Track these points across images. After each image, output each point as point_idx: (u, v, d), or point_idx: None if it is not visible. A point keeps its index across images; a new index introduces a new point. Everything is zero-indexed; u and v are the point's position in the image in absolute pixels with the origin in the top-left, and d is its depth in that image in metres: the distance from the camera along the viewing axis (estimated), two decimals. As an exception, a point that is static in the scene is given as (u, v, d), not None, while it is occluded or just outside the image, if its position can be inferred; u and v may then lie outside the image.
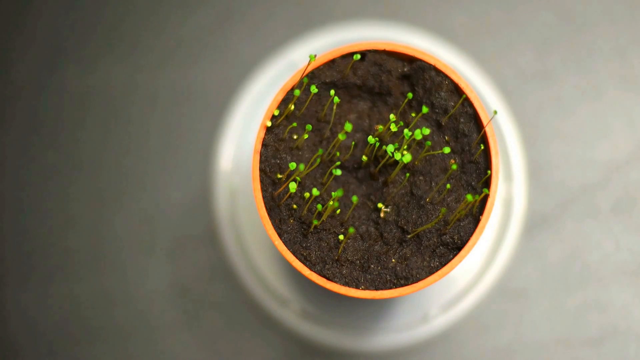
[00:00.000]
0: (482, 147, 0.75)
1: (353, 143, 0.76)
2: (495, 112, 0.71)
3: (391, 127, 0.74)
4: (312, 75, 0.77)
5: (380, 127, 0.76)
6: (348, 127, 0.73)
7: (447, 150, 0.74)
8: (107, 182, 1.01)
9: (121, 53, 1.02)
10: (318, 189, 0.76)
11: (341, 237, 0.74)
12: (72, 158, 1.01)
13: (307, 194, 0.75)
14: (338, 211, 0.76)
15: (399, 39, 0.98)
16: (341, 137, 0.73)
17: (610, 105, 1.01)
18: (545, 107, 1.01)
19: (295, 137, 0.76)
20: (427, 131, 0.74)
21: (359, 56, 0.75)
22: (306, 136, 0.74)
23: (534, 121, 1.01)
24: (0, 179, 1.01)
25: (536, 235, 1.00)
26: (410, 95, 0.75)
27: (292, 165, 0.73)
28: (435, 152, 0.75)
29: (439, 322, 0.95)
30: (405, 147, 0.75)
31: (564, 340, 0.99)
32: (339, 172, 0.73)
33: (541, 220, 1.00)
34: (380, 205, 0.76)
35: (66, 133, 1.01)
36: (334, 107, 0.76)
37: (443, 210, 0.73)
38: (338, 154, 0.77)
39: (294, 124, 0.74)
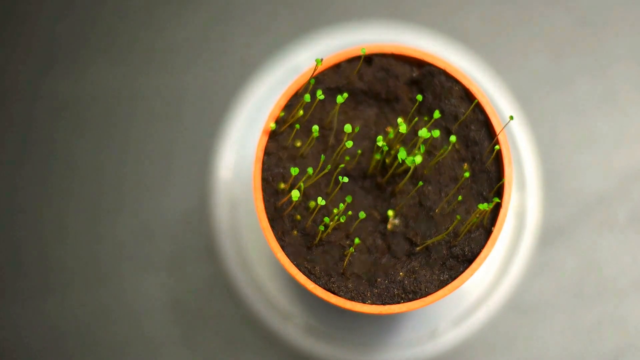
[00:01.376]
0: (495, 153, 0.74)
1: (359, 151, 0.76)
2: (511, 118, 0.71)
3: (400, 129, 0.73)
4: (317, 80, 0.76)
5: (392, 130, 0.75)
6: (347, 128, 0.73)
7: (453, 139, 0.73)
8: (102, 192, 1.01)
9: (116, 57, 1.03)
10: (323, 199, 0.75)
11: (352, 250, 0.73)
12: (65, 167, 1.02)
13: (312, 203, 0.74)
14: (349, 212, 0.75)
15: (407, 42, 0.98)
16: (348, 144, 0.73)
17: (628, 111, 1.02)
18: (561, 113, 1.02)
19: (298, 144, 0.76)
20: (437, 133, 0.74)
21: (365, 50, 0.75)
22: (316, 134, 0.74)
23: (549, 128, 1.01)
24: (-8, 189, 1.03)
25: (550, 247, 1.00)
26: (420, 97, 0.75)
27: (295, 171, 0.72)
28: (446, 152, 0.75)
29: (449, 337, 0.95)
30: (419, 149, 0.74)
31: (579, 357, 0.99)
32: (346, 179, 0.73)
33: (556, 231, 1.00)
34: (390, 212, 0.76)
35: (59, 141, 1.02)
36: (337, 110, 0.75)
37: (458, 217, 0.73)
38: (347, 158, 0.76)
39: (297, 126, 0.74)
